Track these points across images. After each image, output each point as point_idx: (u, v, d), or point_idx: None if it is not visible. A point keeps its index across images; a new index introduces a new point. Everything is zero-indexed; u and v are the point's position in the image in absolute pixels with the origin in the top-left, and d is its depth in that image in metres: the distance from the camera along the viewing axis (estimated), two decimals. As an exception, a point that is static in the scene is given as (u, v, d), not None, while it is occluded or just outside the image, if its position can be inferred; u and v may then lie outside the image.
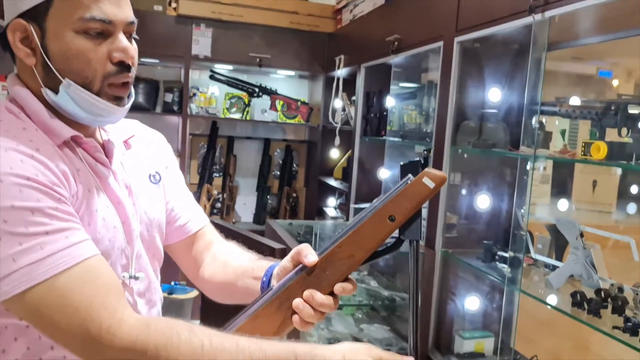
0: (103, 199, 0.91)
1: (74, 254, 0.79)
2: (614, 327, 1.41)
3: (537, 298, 1.71)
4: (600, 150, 1.49)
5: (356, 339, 2.36)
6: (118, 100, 0.91)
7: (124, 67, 0.88)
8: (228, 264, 1.11)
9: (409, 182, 0.86)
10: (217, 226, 2.61)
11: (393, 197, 0.86)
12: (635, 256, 1.59)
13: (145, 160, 1.06)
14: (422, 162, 0.87)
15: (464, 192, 2.30)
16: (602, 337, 1.52)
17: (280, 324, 0.87)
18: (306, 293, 0.87)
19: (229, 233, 2.49)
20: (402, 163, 0.90)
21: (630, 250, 1.92)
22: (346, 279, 0.89)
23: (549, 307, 1.69)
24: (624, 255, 2.05)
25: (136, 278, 0.96)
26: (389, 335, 2.43)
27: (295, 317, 0.87)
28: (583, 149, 1.56)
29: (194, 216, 1.14)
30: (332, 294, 0.88)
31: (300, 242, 2.36)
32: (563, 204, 2.33)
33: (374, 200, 0.89)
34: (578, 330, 2.43)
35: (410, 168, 0.87)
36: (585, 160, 1.56)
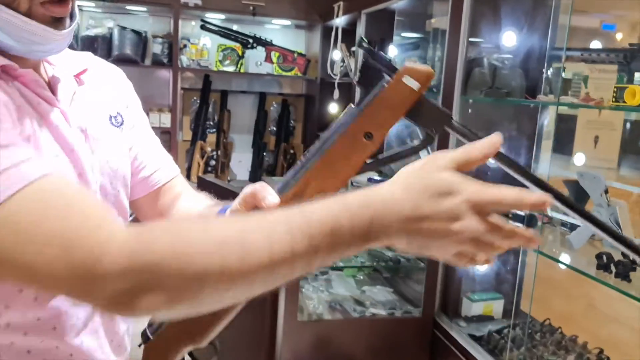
0: (51, 145, 0.74)
1: (26, 173, 0.57)
2: (648, 293, 1.27)
3: (558, 260, 1.57)
4: (636, 95, 1.32)
5: (358, 302, 2.24)
6: (56, 22, 0.71)
7: None
8: (191, 211, 0.95)
9: (385, 85, 0.63)
10: (209, 183, 2.46)
11: (366, 107, 0.64)
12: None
13: (103, 98, 0.88)
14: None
15: (473, 146, 2.13)
16: (614, 298, 1.39)
17: None
18: None
19: (220, 191, 2.34)
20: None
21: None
22: None
23: (568, 268, 1.55)
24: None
25: None
26: (392, 297, 2.31)
27: None
28: (615, 94, 1.39)
29: (162, 166, 0.97)
30: None
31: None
32: (579, 159, 2.17)
33: (341, 115, 0.67)
34: (590, 291, 2.31)
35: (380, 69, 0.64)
36: (618, 107, 1.39)
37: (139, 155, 0.94)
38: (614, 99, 1.40)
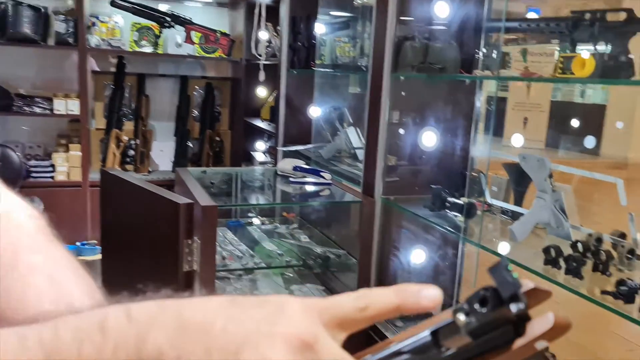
0: None
1: None
2: (603, 292, 1.11)
3: (501, 256, 1.40)
4: (585, 65, 1.15)
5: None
6: None
7: None
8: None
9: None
10: (114, 179, 2.16)
11: None
12: (622, 200, 1.29)
13: None
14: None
15: (405, 128, 1.95)
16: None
17: None
18: None
19: (124, 185, 2.04)
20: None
21: (596, 192, 1.64)
22: None
23: (512, 264, 1.38)
24: (587, 198, 1.78)
25: None
26: (323, 296, 2.10)
27: None
28: (561, 64, 1.21)
29: None
30: None
31: (214, 194, 1.95)
32: (517, 140, 2.02)
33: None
34: (533, 277, 2.18)
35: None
36: (566, 80, 1.22)
37: None
38: (560, 71, 1.24)
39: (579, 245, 1.28)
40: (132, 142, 3.76)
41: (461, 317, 0.35)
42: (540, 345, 0.39)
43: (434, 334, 0.38)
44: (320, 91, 2.75)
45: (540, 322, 0.38)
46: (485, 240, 1.56)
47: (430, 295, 0.38)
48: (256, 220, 2.43)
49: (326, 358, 0.35)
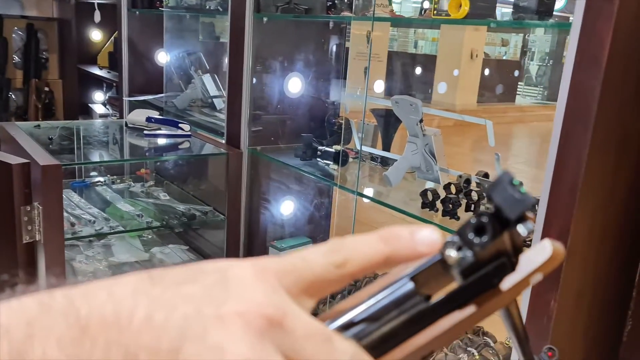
0: None
1: None
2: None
3: (379, 202, 1.40)
4: (461, 6, 1.14)
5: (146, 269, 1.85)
6: None
7: None
8: None
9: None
10: None
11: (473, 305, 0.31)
12: (490, 141, 1.34)
13: None
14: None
15: (271, 74, 1.84)
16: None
17: None
18: None
19: None
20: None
21: (458, 135, 1.70)
22: None
23: (390, 209, 1.38)
24: (450, 141, 1.85)
25: None
26: (188, 257, 1.97)
27: None
28: (436, 5, 1.19)
29: None
30: None
31: (53, 151, 1.69)
32: (379, 85, 2.04)
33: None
34: (402, 222, 2.26)
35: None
36: (443, 20, 1.20)
37: None
38: (435, 12, 1.22)
39: (452, 187, 1.32)
40: None
41: (452, 253, 0.28)
42: (535, 279, 0.35)
43: (415, 279, 0.30)
44: (171, 34, 2.50)
45: (535, 252, 0.33)
46: (360, 186, 1.55)
47: (427, 237, 0.30)
48: (104, 180, 2.18)
49: (302, 336, 0.25)
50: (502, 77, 9.40)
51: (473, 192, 1.29)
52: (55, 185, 1.50)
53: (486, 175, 1.43)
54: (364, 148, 1.75)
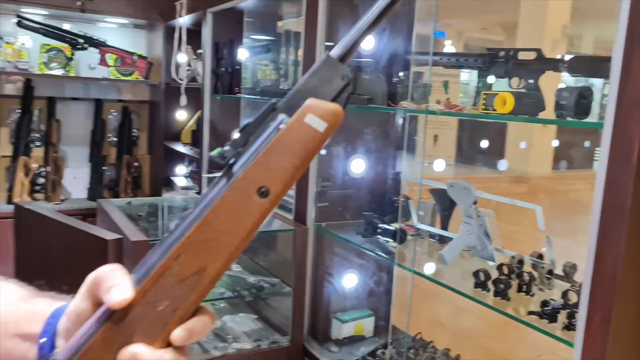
0: None
1: None
2: (530, 313, 1.20)
3: (435, 281, 1.47)
4: (506, 102, 1.25)
5: (219, 336, 1.98)
6: None
7: None
8: None
9: (283, 126, 0.47)
10: (29, 213, 2.03)
11: (259, 155, 0.47)
12: (540, 224, 1.40)
13: None
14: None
15: (336, 156, 1.99)
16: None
17: None
18: (124, 355, 0.46)
19: (43, 220, 1.93)
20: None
21: (508, 216, 1.76)
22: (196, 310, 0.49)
23: (445, 288, 1.45)
24: (508, 220, 1.90)
25: None
26: (257, 326, 2.09)
27: None
28: (484, 100, 1.31)
29: None
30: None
31: (141, 227, 1.89)
32: (439, 165, 2.14)
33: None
34: (452, 296, 2.30)
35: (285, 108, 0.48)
36: (489, 115, 1.31)
37: None
38: (483, 107, 1.33)
39: (505, 267, 1.38)
40: (42, 169, 3.55)
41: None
42: (315, 122, 0.47)
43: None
44: (247, 117, 2.75)
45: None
46: (417, 263, 1.63)
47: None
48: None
49: None
50: (578, 143, 9.17)
51: (525, 274, 1.34)
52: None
53: (540, 257, 1.48)
54: (423, 226, 1.84)
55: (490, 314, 1.30)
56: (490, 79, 1.61)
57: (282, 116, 0.48)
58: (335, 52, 0.48)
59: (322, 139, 0.46)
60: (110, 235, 1.68)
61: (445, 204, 1.77)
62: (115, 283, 0.46)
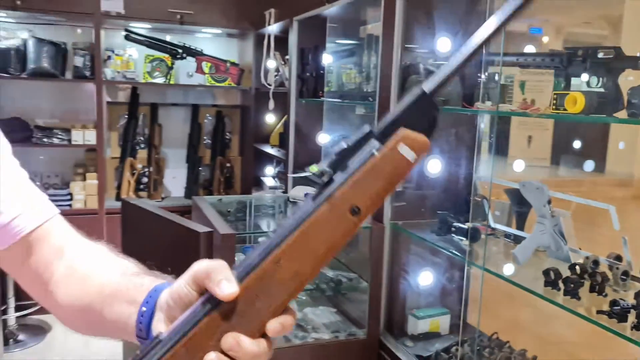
0: None
1: None
2: (599, 312, 1.20)
3: (505, 278, 1.50)
4: (577, 102, 1.26)
5: (300, 326, 2.10)
6: None
7: None
8: (89, 279, 0.75)
9: (376, 153, 0.54)
10: (134, 207, 2.26)
11: (354, 177, 0.54)
12: (615, 225, 1.38)
13: None
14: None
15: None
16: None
17: None
18: (228, 340, 0.54)
19: (145, 215, 2.15)
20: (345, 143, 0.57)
21: (593, 216, 1.73)
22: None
23: (515, 286, 1.47)
24: (586, 221, 1.86)
25: None
26: (335, 318, 2.19)
27: None
28: (555, 101, 1.32)
29: (26, 210, 0.79)
30: (264, 334, 0.56)
31: (230, 222, 2.05)
32: (519, 165, 2.12)
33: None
34: (538, 301, 2.27)
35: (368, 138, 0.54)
36: (557, 115, 1.32)
37: None
38: (553, 107, 1.34)
39: (577, 267, 1.37)
40: (146, 169, 3.88)
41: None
42: (406, 152, 0.54)
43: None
44: (329, 119, 2.86)
45: None
46: (489, 263, 1.65)
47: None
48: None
49: None
50: (690, 143, 8.45)
51: (597, 274, 1.33)
52: (230, 250, 1.85)
53: (618, 258, 1.46)
54: (498, 226, 1.85)
55: (579, 323, 1.29)
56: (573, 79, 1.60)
57: (375, 142, 0.53)
58: (428, 86, 0.53)
59: (410, 167, 0.52)
60: (202, 229, 1.85)
61: (520, 204, 1.77)
62: (224, 277, 0.53)
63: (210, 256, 1.84)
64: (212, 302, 0.53)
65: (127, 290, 0.68)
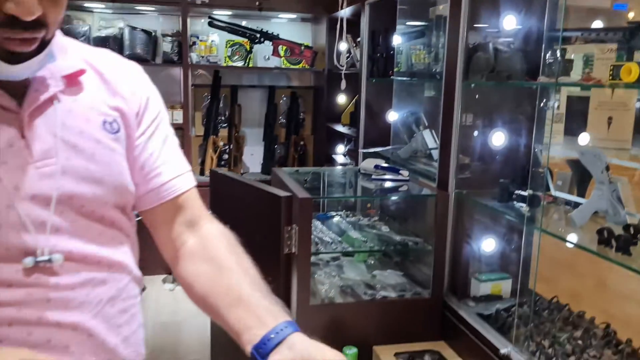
0: None
1: None
2: (646, 265, 1.31)
3: (558, 237, 1.61)
4: (631, 72, 1.35)
5: (369, 286, 2.29)
6: (13, 55, 0.68)
7: (16, 22, 0.66)
8: (221, 275, 0.85)
9: None
10: (222, 176, 2.52)
11: None
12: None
13: (100, 101, 0.81)
14: None
15: (477, 131, 2.17)
16: (622, 274, 1.43)
17: None
18: None
19: (232, 183, 2.40)
20: None
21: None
22: None
23: (571, 245, 1.59)
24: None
25: (49, 261, 0.72)
26: (402, 280, 2.36)
27: None
28: (611, 72, 1.42)
29: (182, 174, 0.89)
30: None
31: (307, 189, 2.26)
32: (584, 138, 2.19)
33: None
34: (598, 269, 2.35)
35: None
36: (614, 84, 1.42)
37: (147, 162, 0.87)
38: (610, 77, 1.44)
39: (631, 228, 1.47)
40: (227, 147, 4.19)
41: None
42: None
43: None
44: (399, 98, 3.01)
45: None
46: (548, 227, 1.76)
47: None
48: (341, 214, 2.74)
49: None
50: None
51: (649, 233, 1.42)
52: (307, 213, 2.06)
53: (674, 221, 1.53)
54: (559, 193, 1.95)
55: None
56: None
57: None
58: None
59: None
60: (283, 194, 2.07)
61: (581, 173, 1.86)
62: None
63: (290, 219, 2.06)
64: None
65: (257, 308, 0.79)
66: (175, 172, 0.89)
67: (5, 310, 0.69)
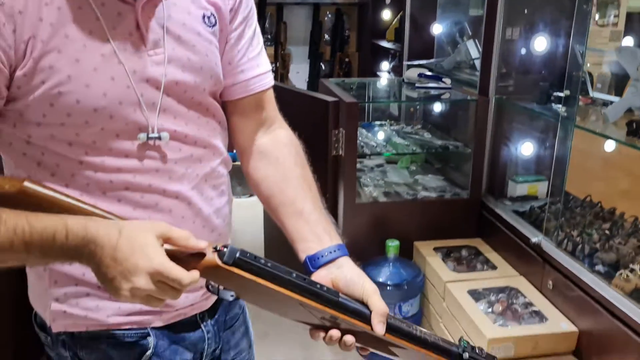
0: (97, 45, 0.76)
1: None
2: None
3: (590, 130, 1.71)
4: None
5: (411, 188, 2.46)
6: None
7: None
8: (286, 186, 0.93)
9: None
10: (276, 87, 2.67)
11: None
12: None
13: None
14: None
15: (518, 35, 2.22)
16: None
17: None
18: (349, 340, 0.78)
19: (283, 91, 2.55)
20: None
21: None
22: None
23: (614, 151, 1.68)
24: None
25: (158, 138, 0.82)
26: (442, 183, 2.51)
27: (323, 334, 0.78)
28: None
29: (260, 72, 0.94)
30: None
31: (353, 96, 2.39)
32: (628, 40, 2.21)
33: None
34: (634, 169, 2.40)
35: None
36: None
37: (235, 58, 0.92)
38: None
39: (660, 120, 1.55)
40: (273, 64, 4.31)
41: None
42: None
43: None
44: (443, 9, 3.03)
45: None
46: (585, 125, 1.85)
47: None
48: (385, 122, 2.87)
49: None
50: None
51: (678, 124, 1.51)
52: (354, 117, 2.20)
53: None
54: (597, 94, 2.02)
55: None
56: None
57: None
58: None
59: None
60: (330, 99, 2.21)
61: (620, 74, 1.92)
62: (383, 320, 0.77)
63: (337, 123, 2.21)
64: (365, 317, 0.77)
65: (315, 225, 0.89)
66: (259, 70, 0.95)
67: (123, 176, 0.82)
